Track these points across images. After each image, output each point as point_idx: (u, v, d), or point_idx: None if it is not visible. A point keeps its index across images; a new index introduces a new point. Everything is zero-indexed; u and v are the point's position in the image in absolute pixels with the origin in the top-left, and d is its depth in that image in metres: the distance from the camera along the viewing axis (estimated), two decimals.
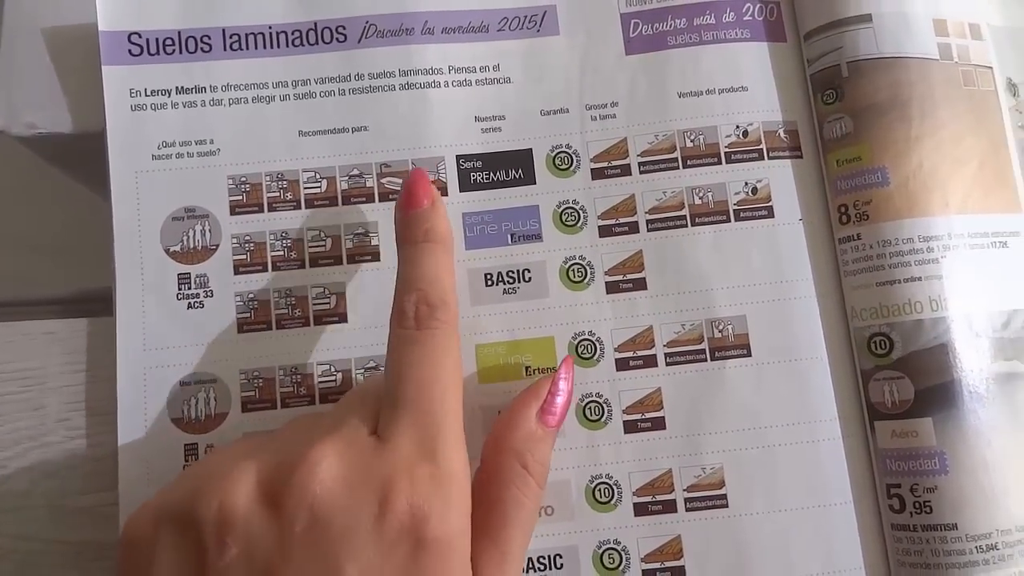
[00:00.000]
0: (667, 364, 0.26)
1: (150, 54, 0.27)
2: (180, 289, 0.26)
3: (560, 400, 0.24)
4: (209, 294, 0.26)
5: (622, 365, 0.26)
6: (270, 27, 0.27)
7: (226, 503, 0.19)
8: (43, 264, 0.29)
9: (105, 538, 0.25)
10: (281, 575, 0.18)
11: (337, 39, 0.28)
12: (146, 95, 0.27)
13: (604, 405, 0.26)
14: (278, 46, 0.27)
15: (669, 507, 0.25)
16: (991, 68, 0.28)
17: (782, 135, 0.27)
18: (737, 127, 0.27)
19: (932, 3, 0.27)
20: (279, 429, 0.23)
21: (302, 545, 0.19)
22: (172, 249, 0.26)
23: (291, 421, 0.23)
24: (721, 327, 0.26)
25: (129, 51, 0.27)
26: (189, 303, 0.26)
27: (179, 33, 0.27)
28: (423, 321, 0.22)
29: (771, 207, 0.27)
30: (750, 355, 0.26)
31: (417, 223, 0.24)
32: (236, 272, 0.26)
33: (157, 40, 0.27)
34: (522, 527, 0.22)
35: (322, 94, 0.27)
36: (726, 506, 0.25)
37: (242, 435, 0.25)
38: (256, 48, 0.27)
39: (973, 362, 0.25)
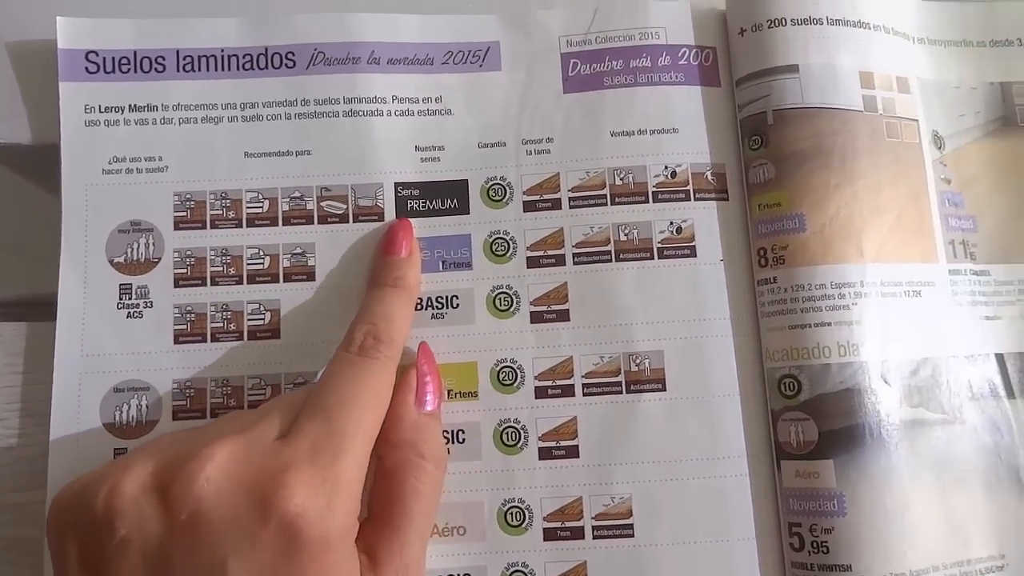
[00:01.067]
0: (584, 394, 0.27)
1: (106, 72, 0.28)
2: (121, 299, 0.27)
3: (430, 385, 0.25)
4: (149, 305, 0.27)
5: (541, 393, 0.27)
6: (222, 50, 0.29)
7: (116, 488, 0.20)
8: (3, 262, 0.30)
9: (33, 535, 0.26)
10: (171, 559, 0.20)
11: (286, 64, 0.29)
12: (100, 111, 0.28)
13: (521, 431, 0.27)
14: (229, 69, 0.29)
15: (577, 533, 0.26)
16: (916, 120, 0.28)
17: (709, 177, 0.28)
18: (666, 167, 0.28)
19: (860, 56, 0.28)
20: (209, 424, 0.24)
21: (187, 533, 0.20)
22: (116, 260, 0.27)
23: (221, 417, 0.25)
24: (639, 361, 0.27)
25: (86, 68, 0.28)
26: (129, 312, 0.27)
27: (135, 53, 0.28)
28: (367, 350, 0.24)
29: (694, 247, 0.28)
30: (665, 389, 0.27)
31: (390, 269, 0.26)
32: (176, 285, 0.27)
33: (113, 59, 0.28)
34: (422, 514, 0.23)
35: (269, 117, 0.28)
36: (632, 535, 0.26)
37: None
38: (208, 70, 0.28)
39: (878, 407, 0.25)
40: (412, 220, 0.28)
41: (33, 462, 0.27)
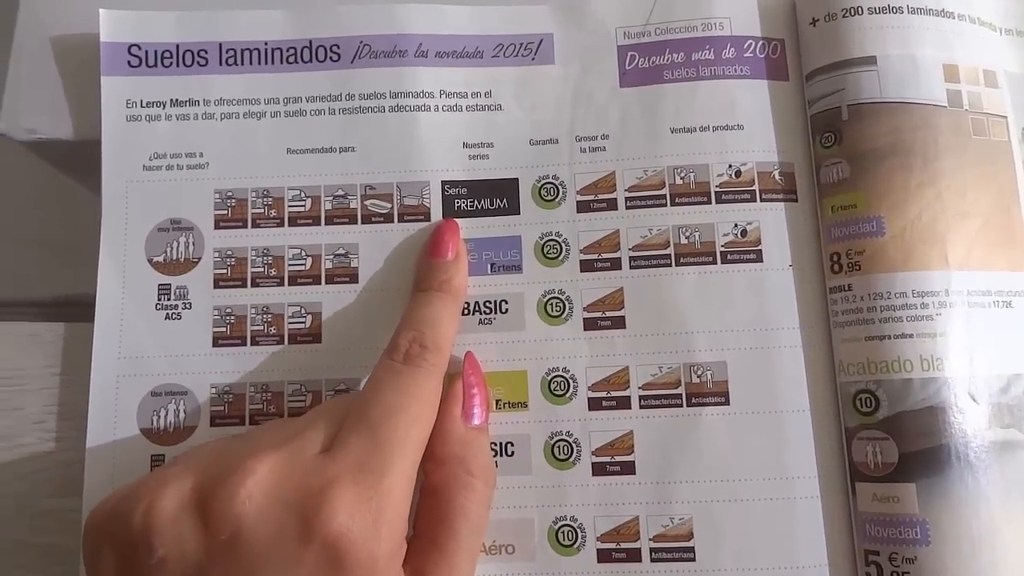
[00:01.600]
0: (641, 407, 0.25)
1: (148, 66, 0.27)
2: (160, 299, 0.26)
3: (477, 397, 0.24)
4: (188, 306, 0.26)
5: (595, 404, 0.25)
6: (266, 43, 0.28)
7: (154, 507, 0.19)
8: (44, 260, 0.29)
9: (69, 543, 0.25)
10: None
11: (331, 58, 0.28)
12: (141, 106, 0.27)
13: (573, 444, 0.25)
14: (272, 63, 0.28)
15: (634, 556, 0.24)
16: (1005, 117, 0.26)
17: (777, 177, 0.26)
18: (730, 166, 0.26)
19: (943, 47, 0.26)
20: (250, 431, 0.23)
21: (227, 554, 0.19)
22: (155, 259, 0.26)
23: (262, 425, 0.24)
24: (700, 372, 0.25)
25: (128, 62, 0.27)
26: (167, 314, 0.26)
27: (177, 46, 0.28)
28: (412, 358, 0.23)
29: (760, 251, 0.26)
30: (728, 403, 0.25)
31: (436, 272, 0.25)
32: (216, 286, 0.26)
33: (156, 52, 0.27)
34: (470, 535, 0.22)
35: (312, 112, 0.27)
36: (693, 559, 0.24)
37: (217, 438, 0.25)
38: (251, 64, 0.28)
39: (965, 427, 0.23)
40: (459, 221, 0.26)
41: (70, 467, 0.26)
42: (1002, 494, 0.23)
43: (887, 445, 0.24)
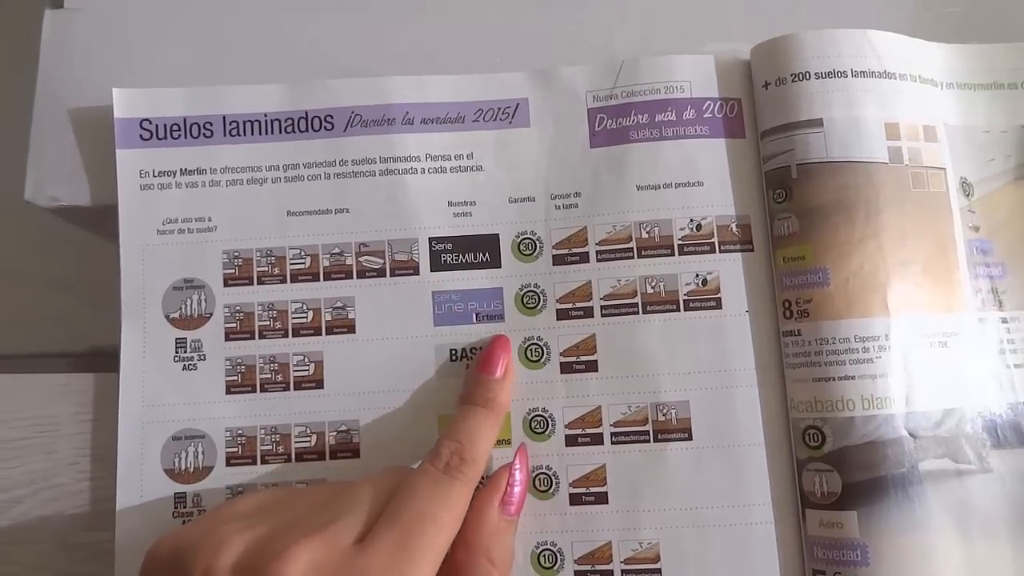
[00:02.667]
0: (612, 443, 0.28)
1: (159, 138, 0.30)
2: (177, 352, 0.29)
3: (518, 490, 0.26)
4: (203, 357, 0.29)
5: (571, 441, 0.28)
6: (265, 115, 0.30)
7: (211, 568, 0.22)
8: (72, 306, 0.32)
9: (103, 572, 0.28)
10: None
11: (325, 127, 0.30)
12: (154, 175, 0.30)
13: (553, 477, 0.28)
14: (272, 132, 0.30)
15: None
16: (944, 169, 0.29)
17: (734, 229, 0.29)
18: (691, 220, 0.29)
19: (885, 107, 0.28)
20: (296, 493, 0.25)
21: None
22: (172, 316, 0.29)
23: (311, 487, 0.26)
24: (665, 411, 0.28)
25: (140, 136, 0.30)
26: (184, 365, 0.29)
27: (185, 119, 0.30)
28: (452, 469, 0.25)
29: (719, 298, 0.28)
30: (691, 439, 0.28)
31: (484, 389, 0.27)
32: (227, 339, 0.29)
33: (165, 126, 0.30)
34: None
35: (310, 177, 0.30)
36: None
37: (263, 487, 0.27)
38: (252, 134, 0.30)
39: (902, 459, 0.26)
40: (444, 274, 0.29)
41: (101, 503, 0.29)
42: (937, 519, 0.26)
43: (832, 476, 0.26)
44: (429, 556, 0.23)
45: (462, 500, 0.24)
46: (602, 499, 0.28)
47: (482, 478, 0.26)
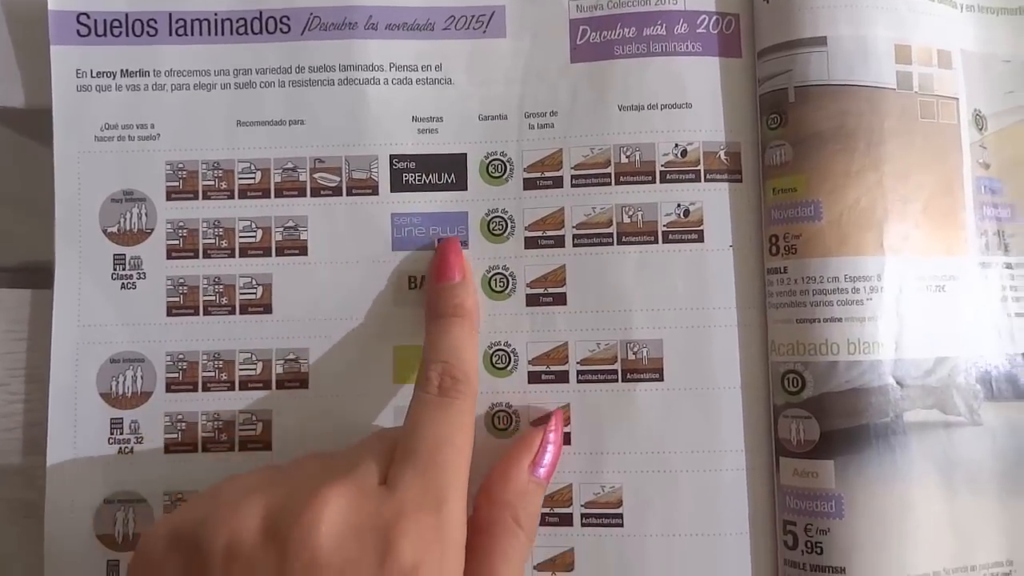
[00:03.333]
0: (578, 381, 0.26)
1: (97, 35, 0.27)
2: (115, 269, 0.27)
3: (551, 453, 0.24)
4: (142, 276, 0.27)
5: (534, 378, 0.26)
6: (215, 13, 0.27)
7: (235, 535, 0.20)
8: (6, 219, 0.30)
9: (33, 498, 0.27)
10: None
11: (281, 29, 0.27)
12: (92, 76, 0.27)
13: (512, 416, 0.26)
14: (222, 33, 0.27)
15: (566, 520, 0.26)
16: (956, 99, 0.26)
17: (723, 156, 0.26)
18: (676, 145, 0.26)
19: (897, 27, 0.26)
20: (291, 464, 0.23)
21: None
22: (109, 230, 0.27)
23: (302, 458, 0.24)
24: (636, 349, 0.26)
25: (77, 31, 0.27)
26: (123, 283, 0.27)
27: (127, 15, 0.27)
28: (446, 391, 0.23)
29: (702, 231, 0.26)
30: (662, 379, 0.26)
31: (448, 297, 0.25)
32: (169, 256, 0.27)
33: (105, 21, 0.27)
34: None
35: (262, 84, 0.27)
36: (621, 525, 0.25)
37: (257, 466, 0.24)
38: (201, 34, 0.27)
39: (887, 408, 0.24)
40: (406, 195, 0.27)
41: (34, 428, 0.27)
42: (918, 471, 0.24)
43: (810, 423, 0.24)
44: (456, 482, 0.21)
45: (468, 417, 0.23)
46: (565, 440, 0.26)
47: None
